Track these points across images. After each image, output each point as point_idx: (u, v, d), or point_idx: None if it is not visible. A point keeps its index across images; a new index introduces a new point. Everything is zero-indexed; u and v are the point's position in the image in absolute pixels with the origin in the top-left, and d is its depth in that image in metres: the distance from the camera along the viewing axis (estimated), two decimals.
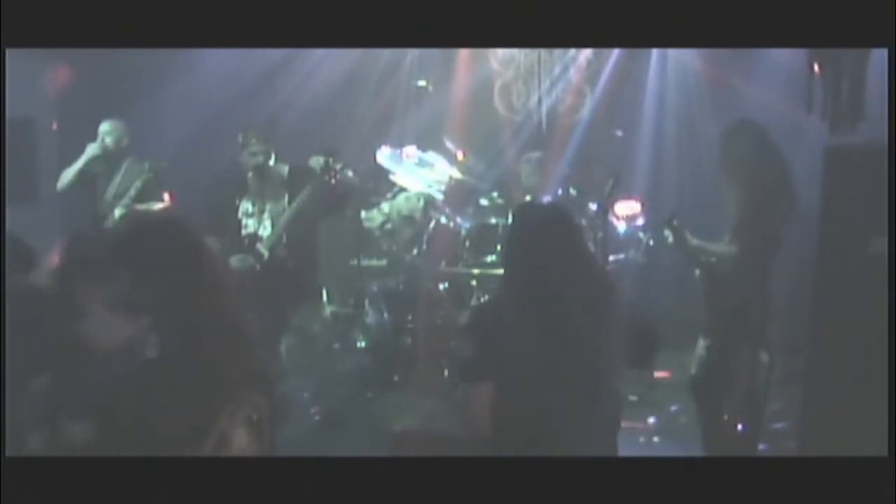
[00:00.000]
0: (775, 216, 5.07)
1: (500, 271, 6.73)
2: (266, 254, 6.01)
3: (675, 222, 5.16)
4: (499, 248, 6.95)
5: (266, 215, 6.07)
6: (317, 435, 6.02)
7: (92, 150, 6.72)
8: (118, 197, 6.67)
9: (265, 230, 6.06)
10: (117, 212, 6.59)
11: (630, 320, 3.55)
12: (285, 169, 6.17)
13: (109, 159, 6.79)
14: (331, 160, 6.02)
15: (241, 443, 2.44)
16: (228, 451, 2.43)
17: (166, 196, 6.80)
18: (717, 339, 5.35)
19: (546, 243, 3.36)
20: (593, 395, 3.34)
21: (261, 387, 2.52)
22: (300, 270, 6.14)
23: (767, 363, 5.13)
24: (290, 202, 6.03)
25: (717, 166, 5.41)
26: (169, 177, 6.85)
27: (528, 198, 7.57)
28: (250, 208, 6.13)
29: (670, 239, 5.29)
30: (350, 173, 6.22)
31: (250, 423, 2.47)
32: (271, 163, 6.13)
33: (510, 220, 3.72)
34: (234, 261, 6.02)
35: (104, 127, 6.82)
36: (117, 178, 6.76)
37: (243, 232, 6.09)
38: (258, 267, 5.99)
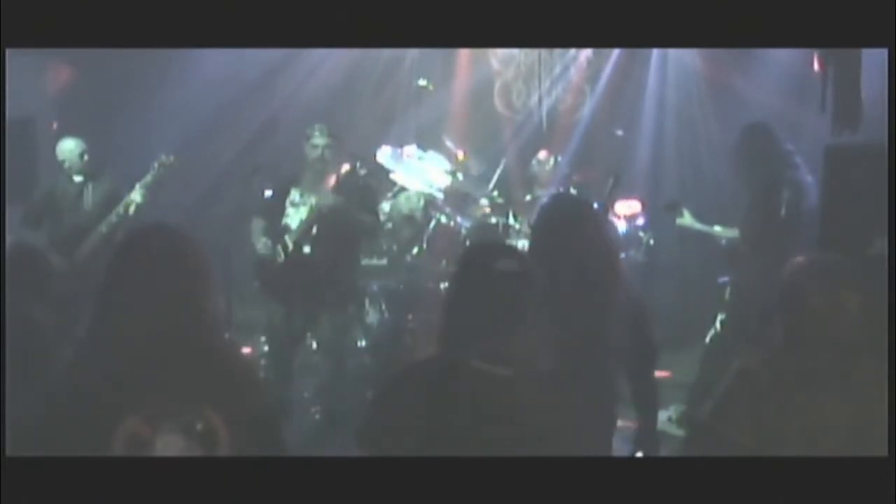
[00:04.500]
0: (780, 205, 5.65)
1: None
2: (290, 246, 6.05)
3: (679, 207, 5.95)
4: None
5: (307, 208, 6.10)
6: (317, 434, 6.01)
7: (148, 179, 6.46)
8: (99, 204, 6.56)
9: (296, 223, 6.11)
10: (132, 206, 6.36)
11: (634, 322, 3.55)
12: (344, 168, 6.17)
13: (76, 174, 6.67)
14: (358, 164, 6.09)
15: (173, 448, 2.48)
16: (150, 452, 2.48)
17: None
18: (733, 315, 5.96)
19: (572, 240, 3.36)
20: (602, 393, 3.34)
21: (215, 399, 2.51)
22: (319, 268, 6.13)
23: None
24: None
25: (732, 164, 6.11)
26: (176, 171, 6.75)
27: (528, 198, 7.58)
28: (297, 198, 6.17)
29: (679, 220, 5.87)
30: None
31: (191, 431, 2.49)
32: (328, 158, 6.14)
33: (535, 215, 3.73)
34: (261, 246, 6.11)
35: (74, 146, 6.63)
36: (89, 191, 6.63)
37: (284, 220, 6.14)
38: (281, 258, 6.04)
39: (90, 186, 6.66)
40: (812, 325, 2.83)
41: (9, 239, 5.34)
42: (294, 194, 6.19)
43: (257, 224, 6.27)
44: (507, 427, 2.50)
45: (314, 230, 6.06)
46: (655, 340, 3.70)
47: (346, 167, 6.14)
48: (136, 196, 6.41)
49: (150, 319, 2.53)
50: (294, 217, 6.14)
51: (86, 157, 6.65)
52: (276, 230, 6.15)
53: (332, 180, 6.10)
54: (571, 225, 3.46)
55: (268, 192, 6.52)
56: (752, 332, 5.49)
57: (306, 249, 6.08)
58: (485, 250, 2.76)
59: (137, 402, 2.47)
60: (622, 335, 3.44)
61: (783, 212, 5.69)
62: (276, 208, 6.22)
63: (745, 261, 5.93)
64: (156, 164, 6.49)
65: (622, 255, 7.06)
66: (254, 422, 2.56)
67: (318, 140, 6.11)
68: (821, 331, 2.82)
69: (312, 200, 6.07)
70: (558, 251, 3.38)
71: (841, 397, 2.78)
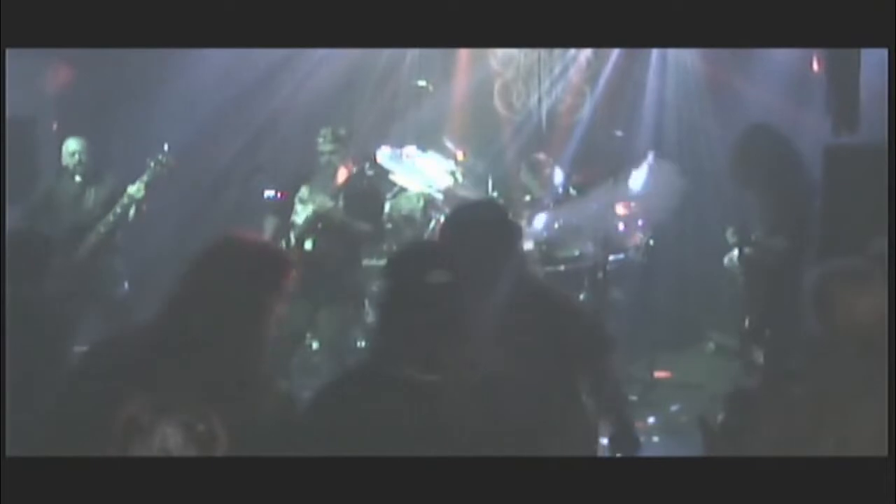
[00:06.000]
0: (805, 204, 5.40)
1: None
2: (293, 241, 6.09)
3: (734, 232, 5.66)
4: None
5: (312, 206, 6.12)
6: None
7: (135, 188, 6.48)
8: (100, 205, 6.57)
9: (302, 219, 6.14)
10: (132, 204, 6.43)
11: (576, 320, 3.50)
12: (352, 170, 6.20)
13: (76, 175, 6.68)
14: (367, 166, 6.16)
15: (170, 444, 2.50)
16: (149, 444, 2.49)
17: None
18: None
19: (469, 247, 3.29)
20: (552, 397, 3.25)
21: (218, 403, 2.52)
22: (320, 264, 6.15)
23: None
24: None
25: (733, 174, 5.75)
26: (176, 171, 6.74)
27: (527, 198, 7.59)
28: (305, 196, 6.20)
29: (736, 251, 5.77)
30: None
31: (190, 429, 2.50)
32: (335, 163, 6.17)
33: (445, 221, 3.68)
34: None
35: (79, 145, 6.66)
36: (90, 191, 6.65)
37: (293, 217, 6.19)
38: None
39: (92, 186, 6.68)
40: (849, 334, 2.77)
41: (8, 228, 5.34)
42: (303, 191, 6.24)
43: (269, 223, 6.34)
44: (439, 433, 2.46)
45: (318, 225, 6.10)
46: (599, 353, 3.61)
47: (354, 169, 6.18)
48: (134, 194, 6.42)
49: (213, 322, 2.55)
50: (301, 213, 6.18)
51: (89, 157, 6.67)
52: (286, 227, 6.20)
53: (340, 180, 6.13)
54: (463, 235, 3.41)
55: (268, 192, 6.52)
56: (768, 336, 5.43)
57: (308, 246, 6.11)
58: (415, 261, 2.66)
59: (149, 391, 2.49)
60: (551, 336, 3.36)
61: (807, 210, 5.52)
62: (289, 206, 6.28)
63: (763, 262, 5.76)
64: (152, 163, 6.50)
65: (622, 256, 7.11)
66: (258, 434, 2.56)
67: (324, 147, 6.18)
68: (858, 339, 2.77)
69: (318, 199, 6.11)
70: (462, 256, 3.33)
71: (872, 406, 2.74)
